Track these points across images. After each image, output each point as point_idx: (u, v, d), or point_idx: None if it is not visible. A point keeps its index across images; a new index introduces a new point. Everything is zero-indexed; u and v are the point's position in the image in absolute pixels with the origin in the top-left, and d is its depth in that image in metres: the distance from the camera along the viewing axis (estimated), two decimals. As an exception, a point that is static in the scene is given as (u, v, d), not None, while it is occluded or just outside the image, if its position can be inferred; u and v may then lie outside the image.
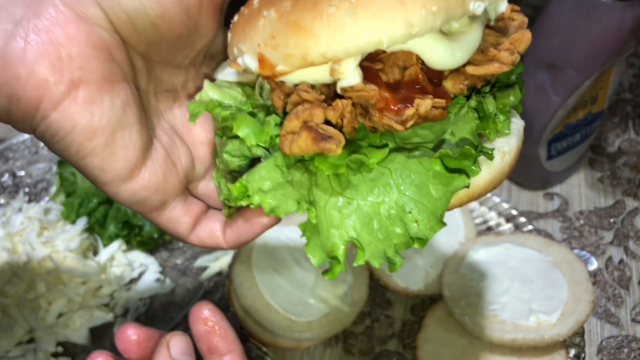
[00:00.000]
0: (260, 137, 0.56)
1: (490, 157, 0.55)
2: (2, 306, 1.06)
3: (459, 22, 0.55)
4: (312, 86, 0.55)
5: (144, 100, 0.58)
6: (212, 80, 0.65)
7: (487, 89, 0.60)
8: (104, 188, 0.56)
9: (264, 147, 0.58)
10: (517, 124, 0.61)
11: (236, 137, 0.58)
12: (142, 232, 1.15)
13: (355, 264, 0.52)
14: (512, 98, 0.59)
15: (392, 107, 0.52)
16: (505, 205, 1.16)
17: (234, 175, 0.59)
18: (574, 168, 1.24)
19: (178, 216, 0.61)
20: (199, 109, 0.59)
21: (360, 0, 0.48)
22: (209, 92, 0.60)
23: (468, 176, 0.52)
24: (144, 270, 1.14)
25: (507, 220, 1.15)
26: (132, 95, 0.54)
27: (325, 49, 0.49)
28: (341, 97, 0.54)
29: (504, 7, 0.61)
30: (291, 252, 1.05)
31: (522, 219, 1.13)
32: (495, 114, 0.57)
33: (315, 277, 1.02)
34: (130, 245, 1.15)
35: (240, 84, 0.64)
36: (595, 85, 1.04)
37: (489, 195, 1.17)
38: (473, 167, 0.52)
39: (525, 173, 1.21)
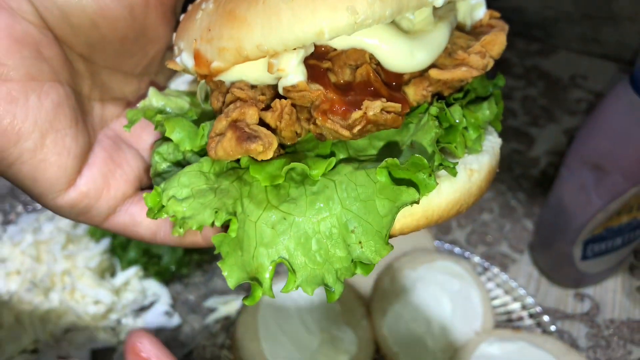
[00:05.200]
0: (195, 141, 0.50)
1: (453, 172, 0.46)
2: (16, 311, 1.09)
3: (420, 19, 0.48)
4: (254, 86, 0.49)
5: (85, 105, 0.52)
6: (164, 89, 0.59)
7: (460, 95, 0.51)
8: (40, 201, 0.50)
9: (198, 154, 0.51)
10: (493, 142, 0.53)
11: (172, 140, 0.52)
12: (161, 262, 1.13)
13: (283, 291, 0.44)
14: (486, 112, 0.51)
15: (338, 109, 0.45)
16: (531, 300, 1.06)
17: (157, 181, 0.52)
18: (611, 272, 1.12)
19: (134, 218, 0.54)
20: (137, 116, 0.54)
21: None
22: (152, 99, 0.55)
23: (418, 190, 0.44)
24: (155, 300, 1.11)
25: (530, 316, 1.05)
26: (66, 97, 0.48)
27: (260, 40, 0.43)
28: (285, 99, 0.47)
29: (481, 12, 0.54)
30: (299, 311, 1.00)
31: (546, 318, 1.04)
32: (465, 128, 0.49)
33: (318, 342, 0.96)
34: (147, 273, 1.13)
35: (191, 94, 0.58)
36: (644, 192, 0.98)
37: (514, 284, 1.11)
38: (428, 181, 0.44)
39: (556, 269, 1.11)
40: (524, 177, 1.35)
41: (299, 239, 0.44)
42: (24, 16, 0.44)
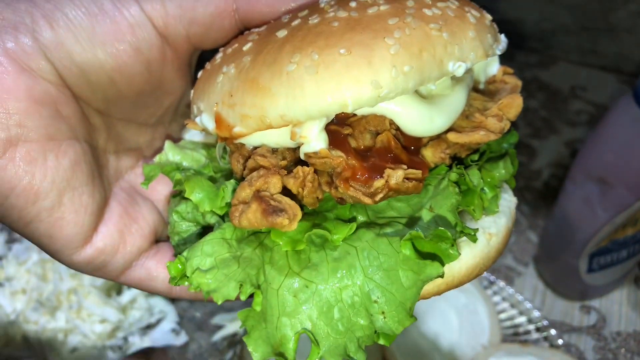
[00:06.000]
0: (215, 202, 0.50)
1: (474, 239, 0.47)
2: (22, 331, 1.08)
3: (439, 84, 0.48)
4: (274, 150, 0.49)
5: (101, 159, 0.52)
6: (178, 140, 0.59)
7: (476, 157, 0.51)
8: (56, 257, 0.50)
9: (218, 215, 0.51)
10: (509, 201, 0.53)
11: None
12: (167, 279, 1.16)
13: None
14: (502, 171, 0.51)
15: (360, 177, 0.45)
16: (537, 313, 1.06)
17: (180, 243, 0.52)
18: (617, 284, 1.13)
19: (150, 272, 0.54)
20: (154, 172, 0.54)
21: (323, 58, 0.42)
22: (169, 153, 0.56)
23: (442, 263, 0.44)
24: (162, 317, 1.11)
25: (537, 330, 1.05)
26: (83, 154, 0.48)
27: (284, 110, 0.43)
28: (306, 163, 0.48)
29: (495, 69, 0.54)
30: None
31: (553, 332, 1.04)
32: (482, 189, 0.49)
33: None
34: (153, 290, 1.15)
35: (206, 146, 0.58)
36: (650, 205, 0.98)
37: (520, 298, 1.11)
38: (450, 252, 0.44)
39: (562, 282, 1.12)
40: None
41: (322, 308, 0.44)
42: (43, 76, 0.45)
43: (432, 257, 0.45)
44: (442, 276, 0.45)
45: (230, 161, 0.52)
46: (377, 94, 0.42)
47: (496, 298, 1.13)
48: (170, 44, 0.49)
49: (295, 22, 0.46)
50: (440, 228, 0.44)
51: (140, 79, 0.49)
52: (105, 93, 0.49)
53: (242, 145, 0.51)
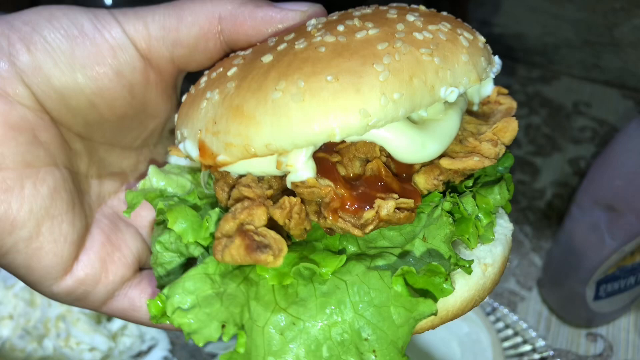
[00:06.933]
0: (199, 233, 0.48)
1: (469, 271, 0.45)
2: None
3: (431, 109, 0.46)
4: (260, 178, 0.47)
5: (82, 184, 0.51)
6: (163, 163, 0.58)
7: (470, 182, 0.50)
8: (35, 288, 0.48)
9: (202, 246, 0.49)
10: (505, 228, 0.51)
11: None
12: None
13: None
14: (497, 196, 0.49)
15: (349, 207, 0.44)
16: (542, 342, 1.03)
17: (163, 275, 0.51)
18: (624, 310, 1.10)
19: (133, 302, 0.52)
20: (137, 199, 0.52)
21: (309, 85, 0.40)
22: (153, 179, 0.54)
23: (436, 300, 0.42)
24: (153, 344, 1.08)
25: None
26: (63, 180, 0.46)
27: (269, 140, 0.41)
28: (293, 192, 0.46)
29: (489, 89, 0.53)
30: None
31: None
32: (477, 216, 0.48)
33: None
34: (144, 316, 1.11)
35: (192, 170, 0.57)
36: (659, 232, 0.94)
37: (524, 326, 1.08)
38: (444, 286, 0.42)
39: (568, 308, 1.09)
40: (530, 210, 1.32)
41: (309, 346, 0.43)
42: (20, 101, 0.44)
43: (425, 293, 0.43)
44: (435, 314, 0.43)
45: (215, 189, 0.51)
46: (366, 123, 0.41)
47: (499, 324, 1.09)
48: (154, 66, 0.48)
49: (281, 47, 0.45)
50: (433, 263, 0.42)
51: (122, 103, 0.48)
52: (86, 117, 0.47)
53: (227, 173, 0.49)
